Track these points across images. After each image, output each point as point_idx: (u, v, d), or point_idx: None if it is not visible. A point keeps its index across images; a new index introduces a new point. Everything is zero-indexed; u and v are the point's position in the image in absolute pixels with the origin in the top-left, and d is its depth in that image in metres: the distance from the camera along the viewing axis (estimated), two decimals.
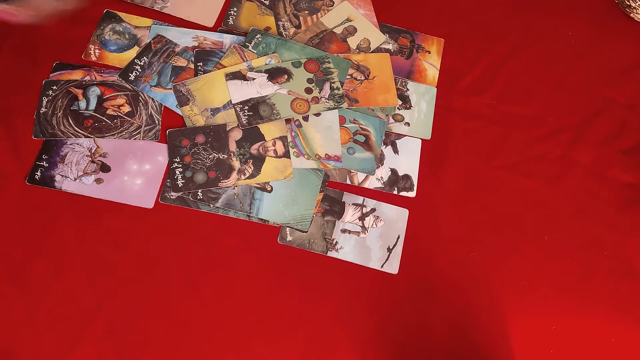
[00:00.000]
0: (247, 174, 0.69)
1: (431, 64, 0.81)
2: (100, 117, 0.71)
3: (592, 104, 0.81)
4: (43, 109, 0.70)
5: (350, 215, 0.71)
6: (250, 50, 0.76)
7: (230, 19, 0.79)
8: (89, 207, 0.67)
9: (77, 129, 0.70)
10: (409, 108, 0.77)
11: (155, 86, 0.73)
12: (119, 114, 0.71)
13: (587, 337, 0.69)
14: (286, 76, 0.74)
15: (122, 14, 0.77)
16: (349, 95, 0.76)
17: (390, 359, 0.66)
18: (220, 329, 0.64)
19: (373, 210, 0.71)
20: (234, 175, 0.69)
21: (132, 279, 0.65)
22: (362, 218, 0.71)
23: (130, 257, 0.66)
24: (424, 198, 0.73)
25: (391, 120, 0.76)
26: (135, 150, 0.70)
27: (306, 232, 0.69)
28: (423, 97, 0.78)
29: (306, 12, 0.81)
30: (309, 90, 0.74)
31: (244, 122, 0.71)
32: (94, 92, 0.72)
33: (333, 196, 0.71)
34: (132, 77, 0.73)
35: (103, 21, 0.77)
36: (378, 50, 0.80)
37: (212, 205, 0.69)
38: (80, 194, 0.68)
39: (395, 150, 0.75)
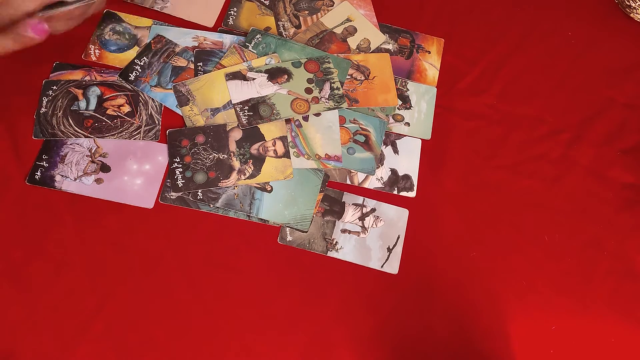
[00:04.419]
0: (247, 174, 0.69)
1: (431, 64, 0.81)
2: (100, 117, 0.71)
3: (592, 104, 0.81)
4: (43, 109, 0.70)
5: (350, 215, 0.71)
6: (250, 50, 0.76)
7: (230, 19, 0.79)
8: (89, 207, 0.67)
9: (77, 129, 0.70)
10: (409, 108, 0.77)
11: (155, 86, 0.73)
12: (119, 114, 0.71)
13: (587, 337, 0.69)
14: (286, 76, 0.74)
15: (122, 14, 0.77)
16: (349, 95, 0.76)
17: (390, 359, 0.66)
18: (220, 329, 0.64)
19: (373, 210, 0.71)
20: (234, 175, 0.69)
21: (132, 279, 0.65)
22: (362, 218, 0.71)
23: (130, 257, 0.66)
24: (424, 198, 0.73)
25: (391, 120, 0.76)
26: (135, 150, 0.70)
27: (306, 232, 0.69)
28: (423, 97, 0.78)
29: (306, 12, 0.81)
30: (309, 90, 0.74)
31: (244, 122, 0.71)
32: (94, 92, 0.72)
33: (333, 196, 0.71)
34: (132, 77, 0.73)
35: (103, 21, 0.77)
36: (378, 50, 0.80)
37: (212, 205, 0.69)
38: (80, 194, 0.68)
39: (395, 150, 0.75)
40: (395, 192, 0.73)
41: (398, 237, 0.70)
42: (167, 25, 0.77)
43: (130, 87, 0.73)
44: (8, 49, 0.53)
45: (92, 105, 0.71)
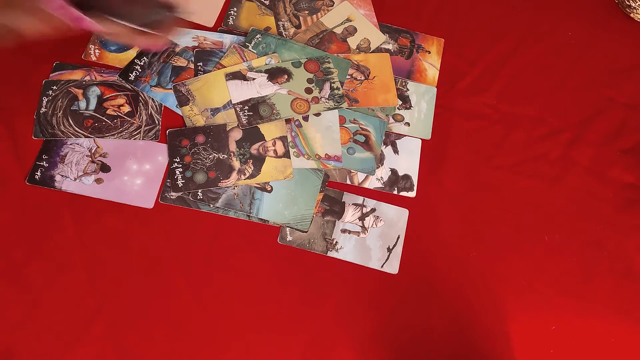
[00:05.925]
0: (247, 174, 0.69)
1: (431, 64, 0.81)
2: (100, 117, 0.71)
3: (592, 104, 0.81)
4: (43, 109, 0.70)
5: (350, 215, 0.71)
6: (250, 50, 0.76)
7: (230, 19, 0.79)
8: (89, 207, 0.67)
9: (77, 129, 0.70)
10: (409, 108, 0.77)
11: (155, 86, 0.73)
12: (119, 114, 0.71)
13: (587, 337, 0.69)
14: (286, 76, 0.74)
15: None
16: (349, 95, 0.76)
17: (390, 358, 0.66)
18: (220, 329, 0.64)
19: (373, 210, 0.71)
20: (234, 175, 0.69)
21: (132, 279, 0.65)
22: (362, 218, 0.71)
23: (130, 257, 0.66)
24: (424, 198, 0.73)
25: (391, 120, 0.76)
26: (135, 150, 0.70)
27: (306, 232, 0.69)
28: (423, 97, 0.78)
29: (306, 12, 0.81)
30: (309, 90, 0.74)
31: (244, 122, 0.71)
32: (94, 92, 0.72)
33: (333, 196, 0.71)
34: (132, 77, 0.73)
35: None
36: (378, 50, 0.80)
37: (212, 205, 0.69)
38: (80, 194, 0.68)
39: (395, 150, 0.75)
40: (395, 192, 0.73)
41: (398, 237, 0.70)
42: None
43: (130, 87, 0.73)
44: (41, 32, 0.55)
45: (92, 105, 0.71)
